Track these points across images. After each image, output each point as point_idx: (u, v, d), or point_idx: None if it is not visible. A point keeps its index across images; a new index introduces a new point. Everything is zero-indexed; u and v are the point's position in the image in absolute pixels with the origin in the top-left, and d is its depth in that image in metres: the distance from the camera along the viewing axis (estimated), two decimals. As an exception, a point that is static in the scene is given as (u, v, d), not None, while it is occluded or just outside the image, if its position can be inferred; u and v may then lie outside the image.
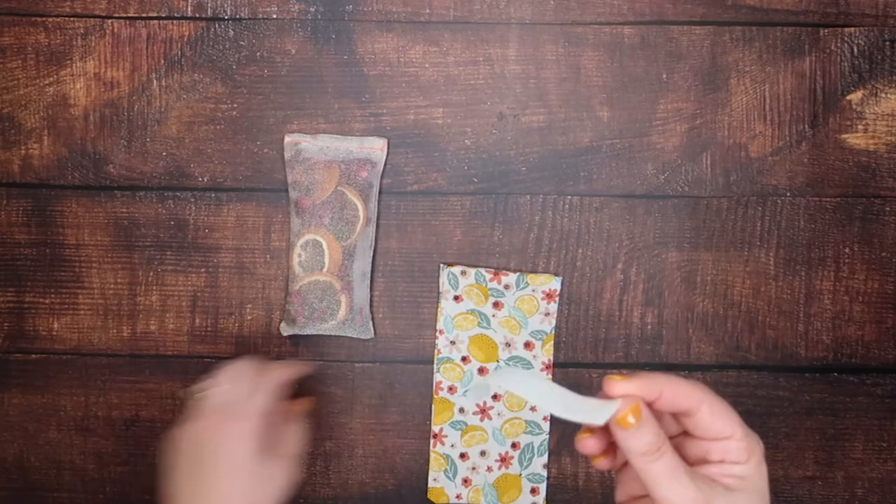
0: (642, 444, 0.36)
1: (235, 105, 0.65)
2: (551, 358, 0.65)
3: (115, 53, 0.65)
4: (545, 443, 0.65)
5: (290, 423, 0.58)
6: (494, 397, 0.65)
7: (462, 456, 0.65)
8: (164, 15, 0.65)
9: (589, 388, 0.65)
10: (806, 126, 0.65)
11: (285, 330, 0.65)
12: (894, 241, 0.65)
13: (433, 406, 0.65)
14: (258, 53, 0.65)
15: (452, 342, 0.65)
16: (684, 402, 0.38)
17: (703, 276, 0.65)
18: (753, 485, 0.38)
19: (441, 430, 0.65)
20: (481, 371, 0.65)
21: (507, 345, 0.65)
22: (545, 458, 0.65)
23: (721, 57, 0.65)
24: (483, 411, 0.65)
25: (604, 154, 0.65)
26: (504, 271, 0.65)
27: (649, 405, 0.37)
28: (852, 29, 0.64)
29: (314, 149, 0.64)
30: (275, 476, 0.54)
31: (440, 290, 0.65)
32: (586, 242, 0.65)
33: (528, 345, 0.65)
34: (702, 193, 0.65)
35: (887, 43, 0.64)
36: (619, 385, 0.37)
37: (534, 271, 0.65)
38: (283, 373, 0.59)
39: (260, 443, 0.53)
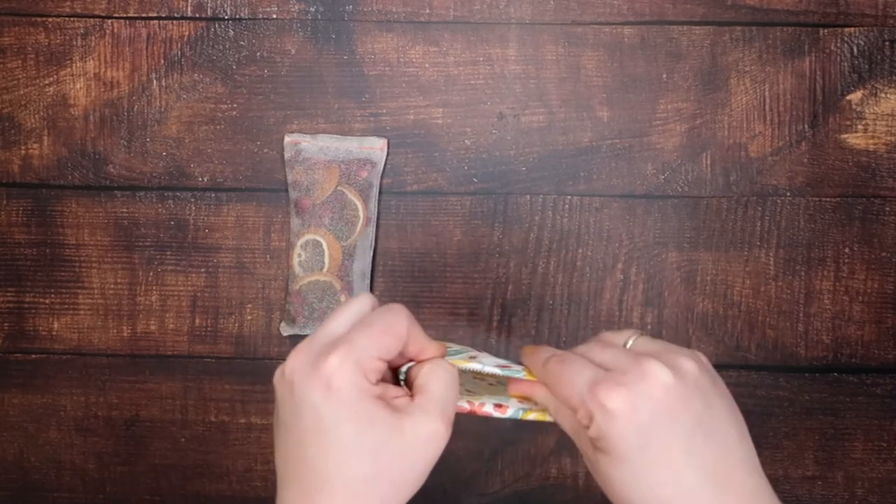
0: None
1: (235, 105, 0.65)
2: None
3: (115, 53, 0.65)
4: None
5: (425, 363, 0.40)
6: None
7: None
8: (163, 15, 0.65)
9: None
10: (806, 126, 0.65)
11: (285, 330, 0.65)
12: (894, 241, 0.65)
13: None
14: (258, 53, 0.65)
15: None
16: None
17: (703, 276, 0.65)
18: (614, 446, 0.37)
19: None
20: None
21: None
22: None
23: (721, 57, 0.65)
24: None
25: (604, 154, 0.65)
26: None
27: None
28: (852, 29, 0.64)
29: (314, 149, 0.64)
30: (414, 438, 0.36)
31: None
32: (586, 242, 0.65)
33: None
34: (702, 193, 0.65)
35: (887, 43, 0.64)
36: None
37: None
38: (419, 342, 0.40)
39: (376, 386, 0.36)
